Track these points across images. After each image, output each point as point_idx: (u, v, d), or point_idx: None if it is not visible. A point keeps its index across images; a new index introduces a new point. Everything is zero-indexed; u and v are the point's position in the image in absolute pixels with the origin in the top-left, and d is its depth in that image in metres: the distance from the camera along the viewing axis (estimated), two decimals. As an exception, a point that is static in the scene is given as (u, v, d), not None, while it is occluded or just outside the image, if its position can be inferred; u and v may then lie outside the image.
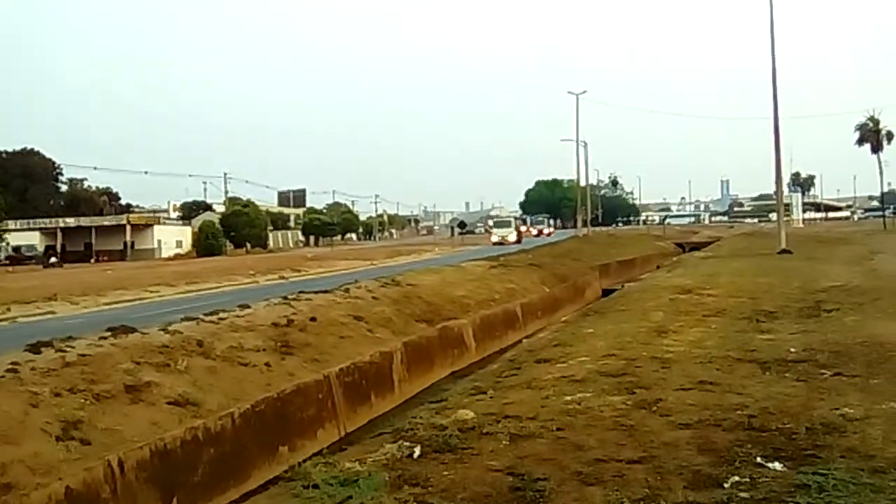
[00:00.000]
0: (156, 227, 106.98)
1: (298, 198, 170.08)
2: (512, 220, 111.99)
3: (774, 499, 7.45)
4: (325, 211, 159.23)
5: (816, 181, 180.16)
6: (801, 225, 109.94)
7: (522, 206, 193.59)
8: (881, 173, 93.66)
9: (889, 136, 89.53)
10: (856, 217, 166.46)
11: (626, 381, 12.94)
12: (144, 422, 12.25)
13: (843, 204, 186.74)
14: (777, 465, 8.36)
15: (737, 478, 8.02)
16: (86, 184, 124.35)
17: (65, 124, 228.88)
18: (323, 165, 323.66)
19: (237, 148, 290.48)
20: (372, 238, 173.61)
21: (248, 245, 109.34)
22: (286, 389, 15.89)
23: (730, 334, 17.87)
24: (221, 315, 19.53)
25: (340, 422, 17.26)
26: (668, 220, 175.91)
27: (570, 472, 8.47)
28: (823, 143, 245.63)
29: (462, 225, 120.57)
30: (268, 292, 28.89)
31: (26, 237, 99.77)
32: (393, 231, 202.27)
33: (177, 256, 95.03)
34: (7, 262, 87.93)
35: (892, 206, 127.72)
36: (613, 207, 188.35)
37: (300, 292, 24.25)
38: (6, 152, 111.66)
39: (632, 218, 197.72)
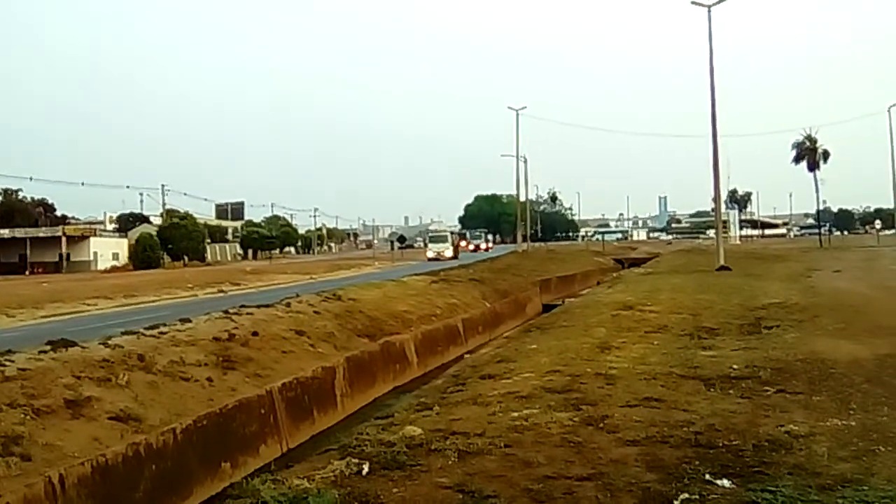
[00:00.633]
0: (92, 239, 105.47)
1: (237, 211, 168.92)
2: (448, 234, 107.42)
3: (724, 516, 7.49)
4: (263, 224, 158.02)
5: (753, 198, 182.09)
6: (738, 242, 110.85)
7: (462, 220, 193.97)
8: (817, 191, 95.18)
9: (826, 154, 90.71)
10: (792, 234, 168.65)
11: (571, 397, 12.99)
12: (86, 437, 12.05)
13: (779, 221, 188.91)
14: (726, 482, 8.42)
15: (686, 495, 8.07)
16: (20, 194, 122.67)
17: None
18: (261, 179, 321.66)
19: (174, 160, 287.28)
20: (311, 252, 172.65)
21: (186, 258, 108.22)
22: (228, 405, 15.73)
23: (672, 351, 18.03)
24: (162, 329, 19.30)
25: (283, 437, 17.12)
26: (596, 237, 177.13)
27: (520, 490, 8.47)
28: (760, 160, 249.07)
29: (402, 239, 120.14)
30: (208, 306, 28.66)
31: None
32: (332, 245, 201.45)
33: (113, 269, 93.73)
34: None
35: (827, 224, 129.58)
36: (552, 223, 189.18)
37: (241, 306, 24.03)
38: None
39: (571, 234, 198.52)
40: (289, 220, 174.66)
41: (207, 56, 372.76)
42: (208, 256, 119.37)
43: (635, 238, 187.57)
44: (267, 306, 24.52)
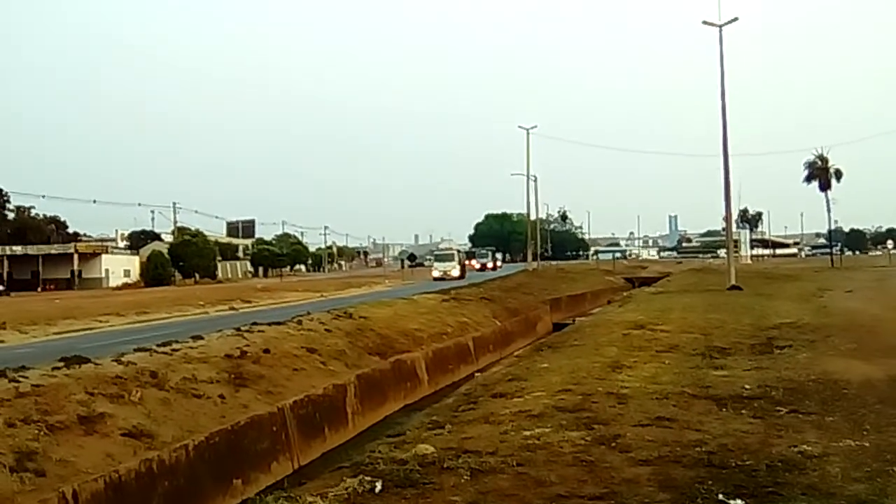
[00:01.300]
0: (103, 257, 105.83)
1: (247, 228, 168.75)
2: (455, 252, 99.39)
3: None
4: (274, 242, 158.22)
5: (764, 217, 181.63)
6: (748, 261, 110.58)
7: (472, 239, 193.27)
8: (829, 211, 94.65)
9: (838, 174, 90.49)
10: (803, 254, 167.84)
11: (583, 416, 12.94)
12: (99, 453, 12.11)
13: (790, 241, 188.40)
14: (739, 503, 8.38)
15: (699, 515, 8.04)
16: (33, 212, 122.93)
17: (12, 152, 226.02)
18: (272, 196, 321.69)
19: (186, 178, 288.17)
20: (321, 270, 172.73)
21: (197, 275, 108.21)
22: (240, 422, 15.78)
23: (684, 370, 17.94)
24: (174, 346, 19.35)
25: (294, 455, 17.16)
26: (597, 256, 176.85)
27: (533, 509, 8.45)
28: (771, 179, 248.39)
29: (412, 257, 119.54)
30: (219, 323, 28.70)
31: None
32: (342, 263, 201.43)
33: (125, 286, 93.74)
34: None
35: (839, 244, 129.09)
36: (562, 242, 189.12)
37: (253, 324, 24.08)
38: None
39: (580, 252, 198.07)
40: (299, 237, 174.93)
41: (217, 75, 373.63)
42: (219, 274, 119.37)
43: (644, 257, 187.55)
44: (278, 324, 24.55)
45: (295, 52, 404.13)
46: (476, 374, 27.46)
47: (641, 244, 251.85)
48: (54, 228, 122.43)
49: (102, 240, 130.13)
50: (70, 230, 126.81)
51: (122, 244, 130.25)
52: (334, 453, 17.79)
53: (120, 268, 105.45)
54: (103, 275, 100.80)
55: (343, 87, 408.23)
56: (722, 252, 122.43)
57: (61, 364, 15.61)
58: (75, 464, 11.46)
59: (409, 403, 23.80)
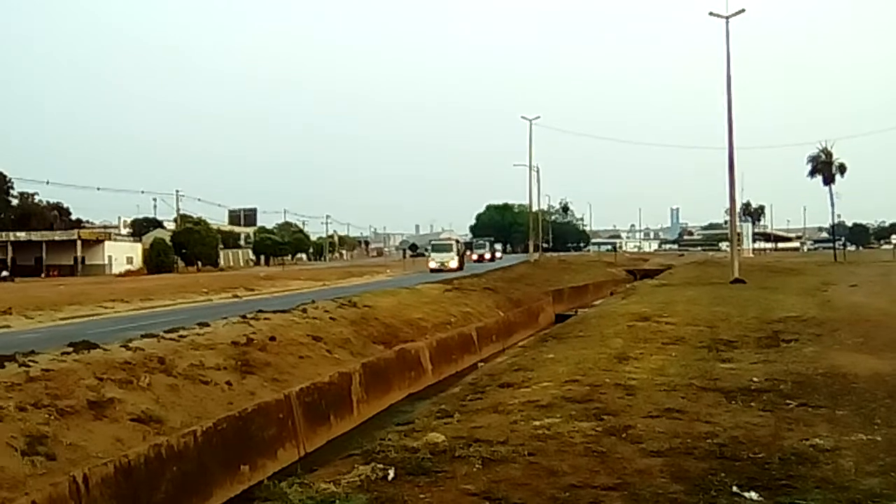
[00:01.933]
0: (107, 243, 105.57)
1: (249, 217, 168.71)
2: (454, 243, 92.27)
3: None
4: (275, 231, 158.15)
5: (766, 211, 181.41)
6: (751, 255, 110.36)
7: (473, 229, 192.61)
8: (832, 205, 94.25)
9: (842, 168, 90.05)
10: (805, 248, 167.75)
11: (592, 407, 12.94)
12: (108, 438, 12.10)
13: (792, 235, 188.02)
14: (753, 495, 8.37)
15: (713, 507, 8.03)
16: (37, 198, 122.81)
17: (16, 138, 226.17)
18: (274, 185, 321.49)
19: (188, 166, 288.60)
20: (322, 259, 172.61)
21: (200, 263, 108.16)
22: (247, 408, 15.76)
23: (691, 362, 17.93)
24: (181, 333, 19.36)
25: (300, 442, 17.14)
26: (590, 248, 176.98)
27: (546, 498, 8.44)
28: (774, 173, 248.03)
29: (414, 247, 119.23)
30: (223, 311, 28.71)
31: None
32: (343, 252, 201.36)
33: (128, 273, 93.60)
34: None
35: (842, 238, 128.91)
36: (564, 233, 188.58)
37: (259, 311, 24.09)
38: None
39: (582, 244, 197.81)
40: (301, 226, 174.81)
41: (221, 66, 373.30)
42: (221, 262, 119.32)
43: (645, 249, 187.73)
44: (284, 312, 24.55)
45: (299, 44, 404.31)
46: (479, 364, 27.47)
47: (643, 236, 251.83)
48: (57, 215, 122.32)
49: (105, 227, 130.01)
50: (73, 217, 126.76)
51: (124, 231, 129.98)
52: (339, 441, 17.82)
53: (123, 255, 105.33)
54: (106, 262, 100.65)
55: (346, 78, 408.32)
56: (723, 245, 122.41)
57: (70, 349, 15.63)
58: (85, 448, 11.45)
59: (413, 392, 23.78)
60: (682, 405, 13.01)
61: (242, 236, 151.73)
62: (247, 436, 15.33)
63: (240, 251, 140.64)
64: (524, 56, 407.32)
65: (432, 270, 74.22)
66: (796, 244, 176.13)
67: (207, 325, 21.04)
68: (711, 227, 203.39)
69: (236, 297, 47.09)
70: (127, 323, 28.19)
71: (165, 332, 19.25)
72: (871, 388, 14.33)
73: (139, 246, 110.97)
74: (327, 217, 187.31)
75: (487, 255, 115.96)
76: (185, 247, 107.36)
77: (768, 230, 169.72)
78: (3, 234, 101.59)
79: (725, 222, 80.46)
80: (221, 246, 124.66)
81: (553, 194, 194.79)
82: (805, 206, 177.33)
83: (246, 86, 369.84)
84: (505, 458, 9.96)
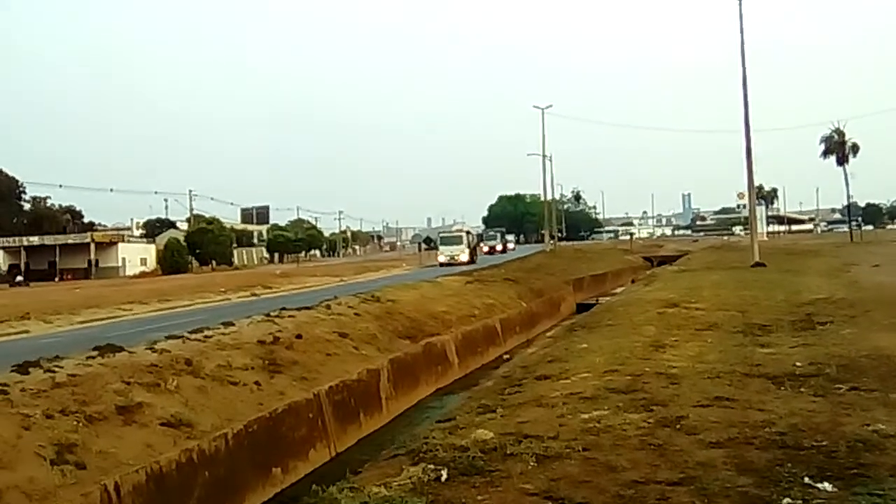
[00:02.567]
0: (120, 245, 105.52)
1: (262, 215, 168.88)
2: (464, 235, 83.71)
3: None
4: (288, 228, 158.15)
5: (779, 194, 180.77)
6: (765, 238, 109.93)
7: (485, 220, 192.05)
8: (847, 185, 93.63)
9: (855, 148, 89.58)
10: (819, 230, 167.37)
11: (638, 397, 12.55)
12: (138, 444, 11.85)
13: (805, 217, 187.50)
14: (827, 486, 7.95)
15: (788, 500, 7.62)
16: (49, 202, 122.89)
17: (28, 142, 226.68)
18: (286, 182, 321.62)
19: (199, 166, 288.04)
20: (336, 255, 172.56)
21: (214, 262, 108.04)
22: (278, 409, 15.53)
23: (729, 348, 17.58)
24: (206, 333, 19.10)
25: (331, 442, 16.90)
26: (593, 237, 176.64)
27: (611, 496, 8.04)
28: (785, 156, 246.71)
29: (428, 240, 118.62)
30: (243, 309, 28.47)
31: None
32: (356, 247, 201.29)
33: (142, 274, 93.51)
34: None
35: (858, 218, 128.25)
36: (576, 222, 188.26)
37: (282, 309, 23.79)
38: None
39: (595, 233, 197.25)
40: (313, 223, 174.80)
41: (232, 64, 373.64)
42: (235, 261, 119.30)
43: (657, 235, 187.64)
44: (308, 308, 24.33)
45: (307, 40, 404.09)
46: (504, 357, 27.17)
47: (655, 223, 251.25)
48: (70, 218, 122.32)
49: (118, 229, 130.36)
50: (86, 220, 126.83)
51: (137, 233, 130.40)
52: (369, 439, 17.55)
53: (136, 256, 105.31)
54: (120, 263, 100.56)
55: (357, 71, 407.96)
56: (737, 229, 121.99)
57: (95, 353, 15.36)
58: (115, 455, 11.21)
59: (441, 387, 23.57)
60: (731, 393, 12.59)
61: (255, 234, 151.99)
62: (277, 437, 15.08)
63: (254, 249, 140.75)
64: (535, 45, 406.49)
65: (441, 264, 71.05)
66: (810, 226, 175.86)
67: (232, 324, 20.75)
68: (724, 211, 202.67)
69: (254, 295, 46.75)
70: (147, 325, 27.82)
71: (190, 332, 18.97)
72: (920, 369, 13.94)
73: (153, 247, 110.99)
74: (340, 213, 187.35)
75: (499, 247, 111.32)
76: (199, 246, 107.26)
77: (781, 213, 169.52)
78: (17, 238, 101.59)
79: (738, 206, 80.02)
80: (235, 245, 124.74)
81: (565, 183, 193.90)
82: (818, 187, 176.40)
83: (257, 85, 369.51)
84: (559, 454, 9.55)
